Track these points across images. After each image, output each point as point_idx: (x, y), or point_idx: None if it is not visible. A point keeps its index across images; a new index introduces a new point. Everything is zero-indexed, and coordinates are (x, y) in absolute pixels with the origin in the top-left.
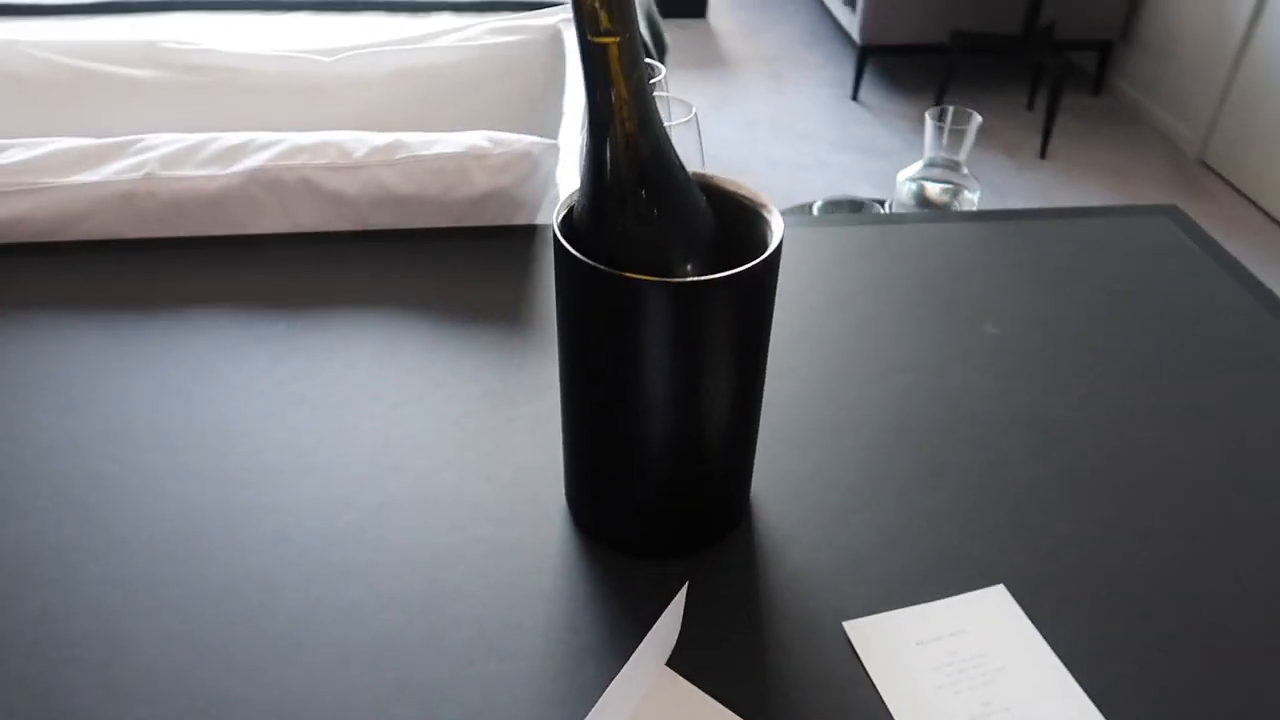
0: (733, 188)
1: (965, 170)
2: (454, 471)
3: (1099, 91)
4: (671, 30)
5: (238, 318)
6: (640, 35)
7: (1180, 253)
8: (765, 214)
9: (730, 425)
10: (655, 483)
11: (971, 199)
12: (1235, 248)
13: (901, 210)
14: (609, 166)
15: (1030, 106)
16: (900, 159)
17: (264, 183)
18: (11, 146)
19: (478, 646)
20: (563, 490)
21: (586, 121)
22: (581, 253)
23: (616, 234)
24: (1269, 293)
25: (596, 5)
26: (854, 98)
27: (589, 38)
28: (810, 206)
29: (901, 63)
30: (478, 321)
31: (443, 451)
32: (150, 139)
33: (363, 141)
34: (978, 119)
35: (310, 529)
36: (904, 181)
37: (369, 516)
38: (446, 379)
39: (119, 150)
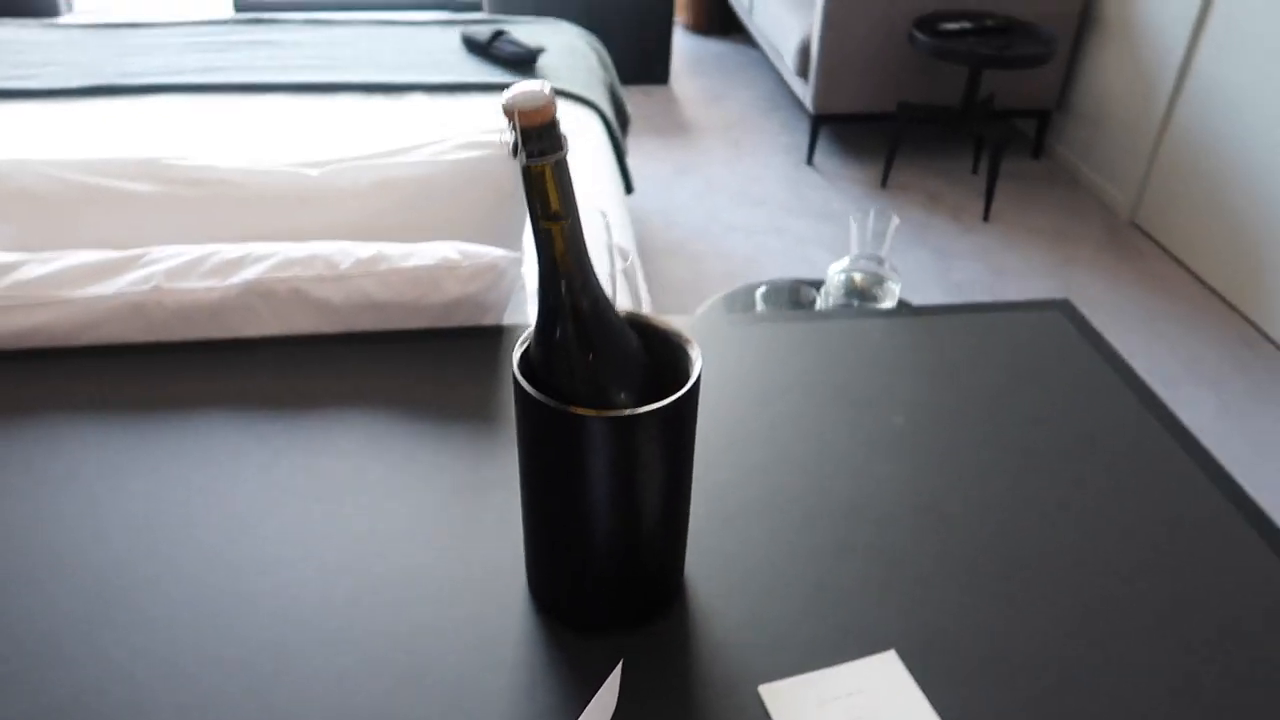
0: (662, 325)
1: (887, 264)
2: (430, 556)
3: (1039, 156)
4: (635, 97)
5: (238, 418)
6: (579, 219)
7: (1069, 346)
8: (689, 349)
9: (662, 521)
10: (599, 570)
11: (894, 289)
12: (1163, 306)
13: (835, 297)
14: (556, 320)
15: (975, 171)
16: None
17: (259, 293)
18: (29, 262)
19: (450, 709)
20: (524, 573)
21: (538, 282)
22: (535, 386)
23: (564, 373)
24: (1147, 389)
25: (546, 197)
26: (809, 163)
27: (539, 222)
28: (755, 289)
29: (853, 130)
30: (450, 417)
31: (421, 538)
32: (156, 252)
33: (347, 254)
34: (895, 220)
35: (307, 606)
36: (835, 274)
37: (357, 596)
38: (424, 472)
39: (128, 264)
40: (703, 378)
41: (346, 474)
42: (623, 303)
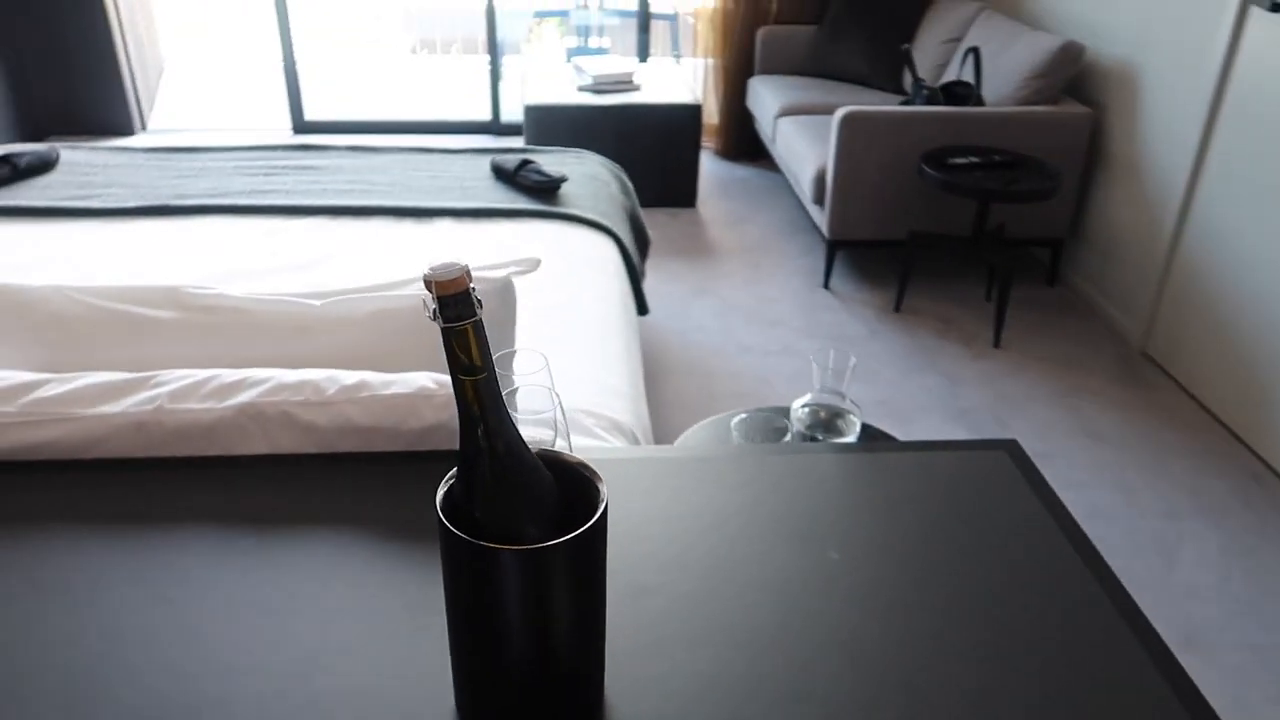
0: (575, 461)
1: (847, 399)
2: (372, 671)
3: (1054, 283)
4: (661, 218)
5: (219, 533)
6: (494, 371)
7: (1010, 487)
8: (598, 484)
9: (574, 643)
10: (516, 691)
11: (854, 422)
12: (1171, 438)
13: (799, 430)
14: (473, 461)
15: (988, 297)
16: (864, 345)
17: (251, 415)
18: (51, 381)
19: None
20: (451, 696)
21: (458, 424)
22: (457, 520)
23: (481, 508)
24: (1079, 530)
25: (460, 355)
26: (825, 286)
27: (456, 375)
28: (733, 417)
29: (867, 255)
30: (413, 538)
31: (363, 655)
32: (164, 375)
33: (334, 380)
34: (852, 360)
35: (248, 716)
36: (798, 407)
37: (301, 709)
38: (378, 590)
39: (137, 385)
40: (633, 507)
41: (308, 589)
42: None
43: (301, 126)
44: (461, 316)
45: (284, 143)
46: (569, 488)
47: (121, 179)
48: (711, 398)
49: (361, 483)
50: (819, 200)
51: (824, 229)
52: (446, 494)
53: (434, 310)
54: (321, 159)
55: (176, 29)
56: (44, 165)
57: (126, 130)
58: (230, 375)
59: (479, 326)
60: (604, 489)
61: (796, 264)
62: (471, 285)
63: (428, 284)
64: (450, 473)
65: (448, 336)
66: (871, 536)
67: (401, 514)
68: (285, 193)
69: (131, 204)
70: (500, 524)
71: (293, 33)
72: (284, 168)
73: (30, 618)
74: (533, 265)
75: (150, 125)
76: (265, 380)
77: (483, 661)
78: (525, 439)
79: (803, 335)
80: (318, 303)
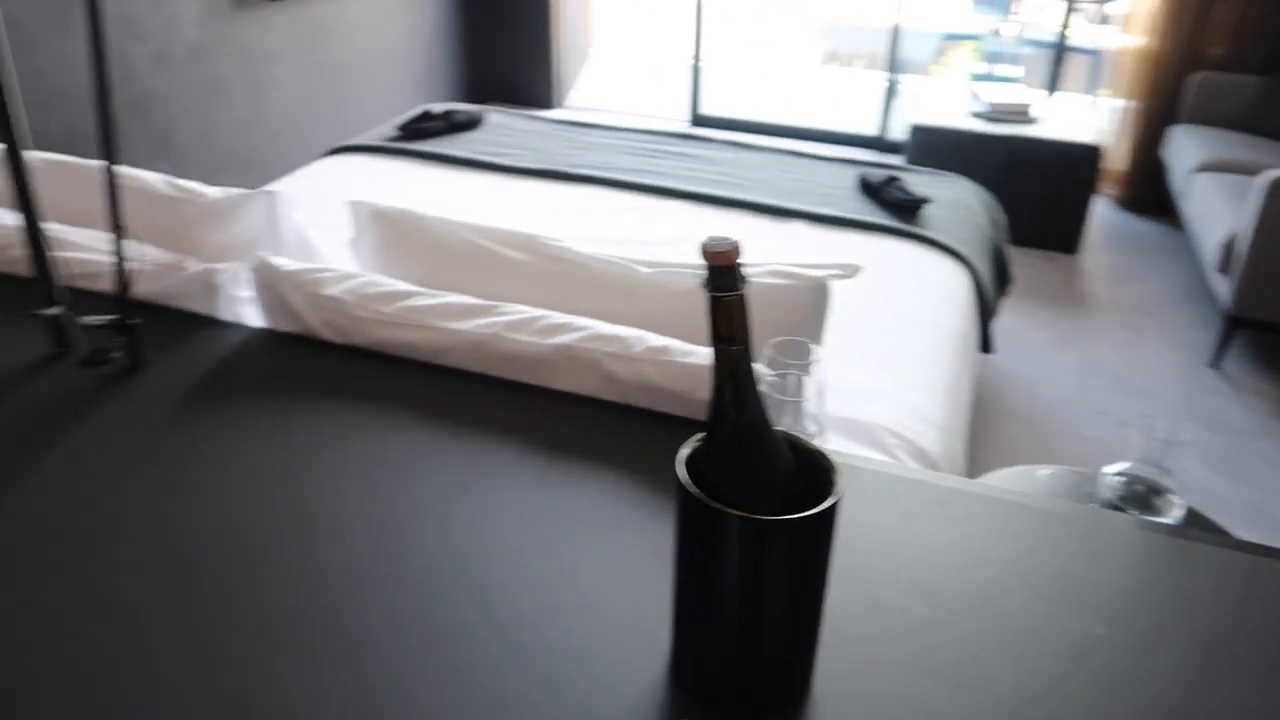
0: (813, 449)
1: (1171, 477)
2: (608, 605)
3: None
4: (1035, 261)
5: (517, 447)
6: (750, 347)
7: None
8: (834, 476)
9: (788, 625)
10: (727, 660)
11: (1176, 503)
12: None
13: (1106, 495)
14: (718, 425)
15: None
16: (1250, 441)
17: (567, 355)
18: (420, 294)
19: None
20: (668, 646)
21: (711, 394)
22: (696, 481)
23: (719, 470)
24: None
25: (720, 323)
26: (1213, 365)
27: (715, 342)
28: (1039, 469)
29: (1277, 341)
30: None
31: (606, 586)
32: (506, 306)
33: (642, 340)
34: (1188, 435)
35: (494, 598)
36: (1110, 473)
37: (538, 614)
38: (633, 533)
39: (483, 311)
40: (892, 524)
41: (576, 513)
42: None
43: (697, 119)
44: (728, 288)
45: (672, 130)
46: (811, 476)
47: (528, 143)
48: (1044, 454)
49: (645, 436)
50: (1224, 268)
51: (1225, 302)
52: (691, 454)
53: (705, 279)
54: (702, 149)
55: (606, 19)
56: (471, 123)
57: (546, 104)
58: (558, 317)
59: (741, 301)
60: (841, 482)
61: (1183, 335)
62: (739, 261)
63: (704, 253)
64: (698, 434)
65: (713, 304)
66: (1157, 627)
67: (670, 471)
68: (661, 175)
69: (530, 165)
70: (734, 490)
71: (704, 32)
72: (666, 153)
73: (354, 480)
74: (851, 272)
75: (566, 102)
76: (585, 328)
77: (698, 626)
78: (789, 427)
79: (1174, 413)
80: (647, 270)
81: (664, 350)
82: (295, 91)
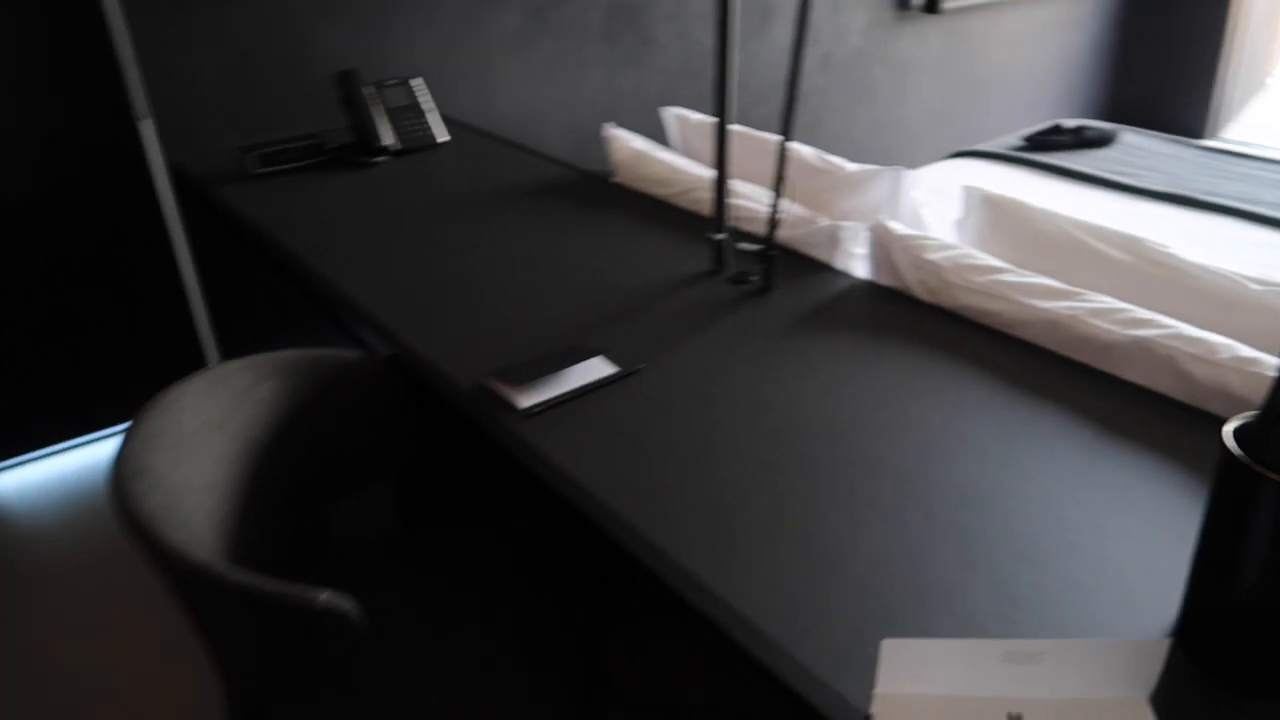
0: None
1: None
2: (1123, 559)
3: None
4: None
5: (1071, 420)
6: None
7: None
8: None
9: None
10: (1242, 633)
11: None
12: None
13: None
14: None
15: None
16: None
17: (1143, 347)
18: (1010, 271)
19: None
20: (1171, 617)
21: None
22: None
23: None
24: None
25: None
26: None
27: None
28: None
29: None
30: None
31: (1124, 544)
32: (1090, 295)
33: (1230, 348)
34: None
35: (985, 540)
36: None
37: (1055, 580)
38: (1148, 512)
39: (1067, 295)
40: None
41: (1094, 480)
42: None
43: None
44: None
45: None
46: None
47: (1161, 165)
48: None
49: (1204, 437)
50: None
51: None
52: (1239, 428)
53: None
54: None
55: None
56: (1102, 140)
57: (1197, 132)
58: (1142, 313)
59: None
60: None
61: None
62: None
63: None
64: (1248, 413)
65: None
66: None
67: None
68: None
69: (1155, 187)
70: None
71: None
72: None
73: (914, 406)
74: None
75: (1223, 133)
76: (1168, 326)
77: (1220, 597)
78: None
79: None
80: (1258, 287)
81: (1253, 362)
82: (933, 98)
